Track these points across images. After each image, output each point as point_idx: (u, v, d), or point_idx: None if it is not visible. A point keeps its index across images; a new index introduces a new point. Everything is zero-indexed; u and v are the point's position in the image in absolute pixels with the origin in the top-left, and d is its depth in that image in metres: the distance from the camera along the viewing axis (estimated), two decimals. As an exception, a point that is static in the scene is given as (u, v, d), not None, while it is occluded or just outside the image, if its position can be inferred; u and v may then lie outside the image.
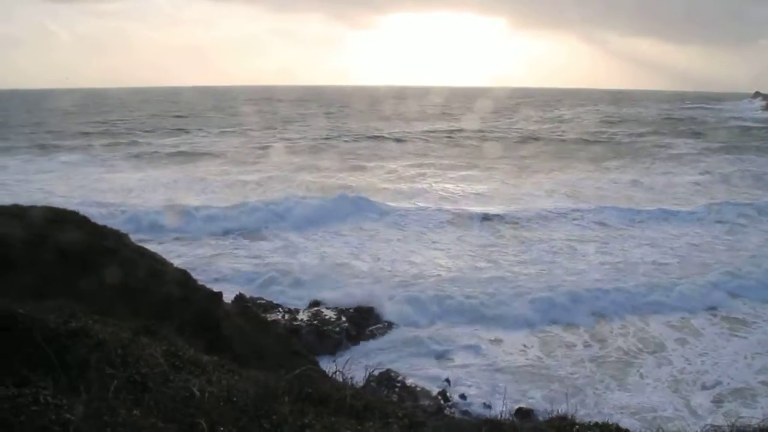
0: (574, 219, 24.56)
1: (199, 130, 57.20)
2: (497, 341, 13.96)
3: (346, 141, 50.39)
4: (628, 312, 15.79)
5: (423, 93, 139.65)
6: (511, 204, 27.10)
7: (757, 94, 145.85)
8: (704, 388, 12.06)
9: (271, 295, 15.58)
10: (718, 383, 12.24)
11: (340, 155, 41.90)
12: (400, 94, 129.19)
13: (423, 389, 11.02)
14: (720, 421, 6.75)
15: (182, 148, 44.49)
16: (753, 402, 11.48)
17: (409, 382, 11.10)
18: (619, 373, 12.63)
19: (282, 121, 67.39)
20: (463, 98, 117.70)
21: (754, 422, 3.99)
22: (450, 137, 54.43)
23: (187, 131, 56.47)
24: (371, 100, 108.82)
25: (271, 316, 13.12)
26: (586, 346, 13.98)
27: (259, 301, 14.48)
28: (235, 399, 3.10)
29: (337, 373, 4.01)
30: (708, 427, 3.96)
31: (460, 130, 58.65)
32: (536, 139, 54.39)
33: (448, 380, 11.66)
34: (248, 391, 3.21)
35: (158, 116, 74.87)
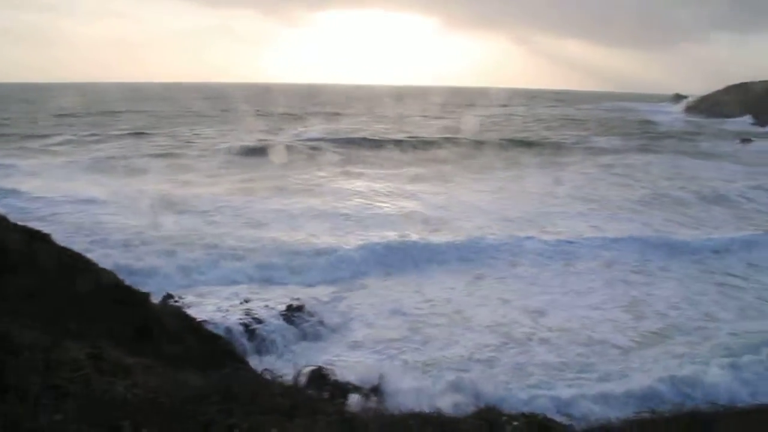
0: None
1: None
2: (431, 337, 14.09)
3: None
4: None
5: (348, 91, 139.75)
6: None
7: (676, 96, 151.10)
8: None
9: (201, 293, 15.43)
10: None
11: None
12: (320, 93, 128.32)
13: (355, 385, 11.03)
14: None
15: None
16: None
17: (342, 378, 11.09)
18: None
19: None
20: (391, 97, 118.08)
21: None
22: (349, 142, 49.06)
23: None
24: (285, 98, 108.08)
25: (201, 315, 12.91)
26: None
27: (187, 300, 14.25)
28: (161, 401, 3.06)
29: (266, 371, 4.00)
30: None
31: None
32: (430, 143, 51.66)
33: (381, 375, 11.70)
34: (175, 393, 3.17)
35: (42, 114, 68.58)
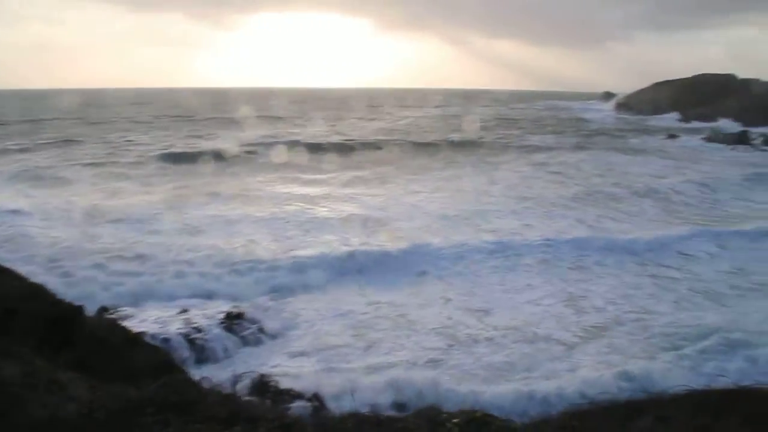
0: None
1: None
2: (375, 341, 14.06)
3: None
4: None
5: (283, 94, 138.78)
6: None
7: (606, 94, 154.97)
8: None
9: (137, 305, 15.07)
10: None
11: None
12: (256, 96, 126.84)
13: (298, 391, 10.95)
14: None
15: None
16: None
17: (284, 385, 11.00)
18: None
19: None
20: (327, 99, 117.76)
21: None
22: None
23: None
24: (219, 102, 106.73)
25: (138, 327, 12.63)
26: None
27: (124, 312, 13.93)
28: (96, 415, 2.98)
29: (204, 380, 3.94)
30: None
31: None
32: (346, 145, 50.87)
33: (323, 380, 11.65)
34: (110, 405, 3.10)
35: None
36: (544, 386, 11.66)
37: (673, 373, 12.03)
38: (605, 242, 21.97)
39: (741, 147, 59.79)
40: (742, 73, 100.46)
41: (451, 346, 13.73)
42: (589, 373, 12.19)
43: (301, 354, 13.24)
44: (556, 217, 25.92)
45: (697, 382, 10.96)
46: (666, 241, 22.41)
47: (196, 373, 6.74)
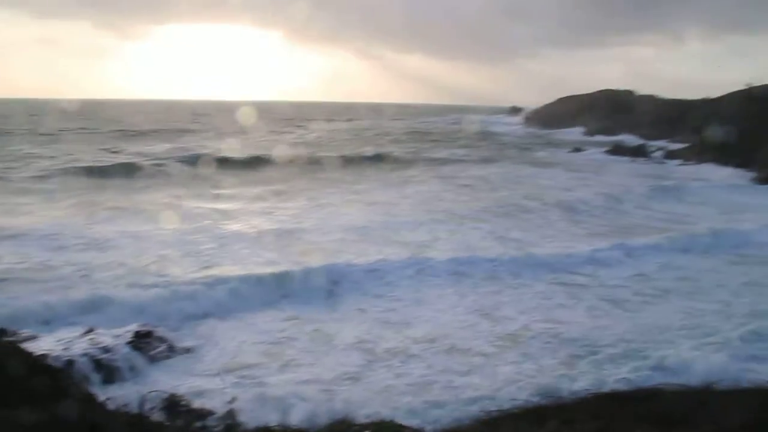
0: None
1: None
2: (290, 359, 13.88)
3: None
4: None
5: (192, 106, 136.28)
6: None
7: (514, 109, 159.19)
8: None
9: (39, 326, 14.36)
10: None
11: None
12: (163, 108, 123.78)
13: (209, 410, 10.69)
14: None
15: None
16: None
17: (195, 404, 10.72)
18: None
19: None
20: (237, 112, 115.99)
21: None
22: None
23: None
24: (126, 114, 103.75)
25: (40, 349, 12.08)
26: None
27: (24, 334, 13.29)
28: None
29: (109, 401, 3.80)
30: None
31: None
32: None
33: (234, 398, 11.40)
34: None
35: None
36: (460, 395, 11.80)
37: (580, 379, 12.40)
38: (516, 254, 22.41)
39: (641, 159, 62.60)
40: (641, 90, 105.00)
41: (370, 361, 13.65)
42: (503, 382, 12.40)
43: (214, 372, 12.93)
44: (467, 230, 26.31)
45: (603, 387, 11.42)
46: (575, 252, 23.10)
47: (103, 394, 6.51)
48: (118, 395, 3.92)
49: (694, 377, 10.67)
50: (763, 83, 64.64)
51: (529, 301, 17.92)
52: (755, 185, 46.15)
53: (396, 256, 21.10)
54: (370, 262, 20.11)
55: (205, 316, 16.02)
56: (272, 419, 10.14)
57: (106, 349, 12.85)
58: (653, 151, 67.67)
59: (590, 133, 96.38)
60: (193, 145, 61.86)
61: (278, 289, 17.71)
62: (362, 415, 5.94)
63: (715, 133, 25.40)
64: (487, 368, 13.33)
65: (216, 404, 10.81)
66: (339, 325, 15.71)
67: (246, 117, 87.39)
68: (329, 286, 18.21)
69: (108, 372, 12.37)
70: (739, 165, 52.50)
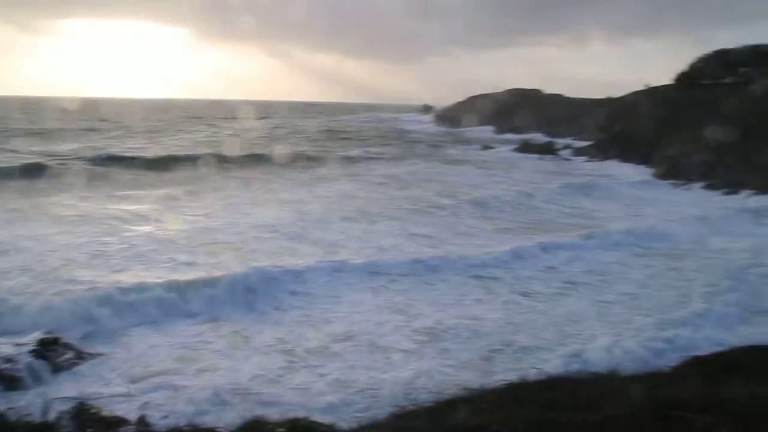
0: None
1: None
2: (207, 363, 13.59)
3: None
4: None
5: (100, 104, 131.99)
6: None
7: (426, 107, 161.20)
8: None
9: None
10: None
11: None
12: (69, 106, 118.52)
13: (121, 417, 10.41)
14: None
15: None
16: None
17: (105, 412, 10.41)
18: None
19: None
20: (146, 111, 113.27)
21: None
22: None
23: None
24: (27, 112, 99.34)
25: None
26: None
27: None
28: None
29: (10, 411, 3.66)
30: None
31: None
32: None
33: (146, 404, 11.16)
34: None
35: None
36: (378, 392, 11.90)
37: (495, 372, 12.70)
38: (431, 251, 22.71)
39: (548, 156, 64.48)
40: (548, 89, 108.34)
41: (290, 362, 13.53)
42: (420, 377, 12.56)
43: (125, 379, 12.57)
44: (381, 228, 26.38)
45: (515, 378, 11.71)
46: (489, 248, 23.57)
47: (3, 405, 6.23)
48: (20, 405, 3.76)
49: (603, 365, 11.14)
50: (662, 83, 67.85)
51: (444, 298, 18.17)
52: (657, 181, 48.31)
53: (311, 256, 21.03)
54: (285, 262, 19.94)
55: (117, 321, 15.45)
56: (184, 422, 9.99)
57: (6, 359, 12.29)
58: (560, 149, 69.86)
59: (500, 131, 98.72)
60: (100, 144, 59.88)
61: (193, 293, 17.22)
62: (277, 414, 5.93)
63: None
64: (405, 364, 13.48)
65: (128, 411, 10.57)
66: (257, 327, 15.48)
67: (155, 115, 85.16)
68: (246, 289, 17.89)
69: (9, 382, 11.83)
70: (640, 162, 54.90)
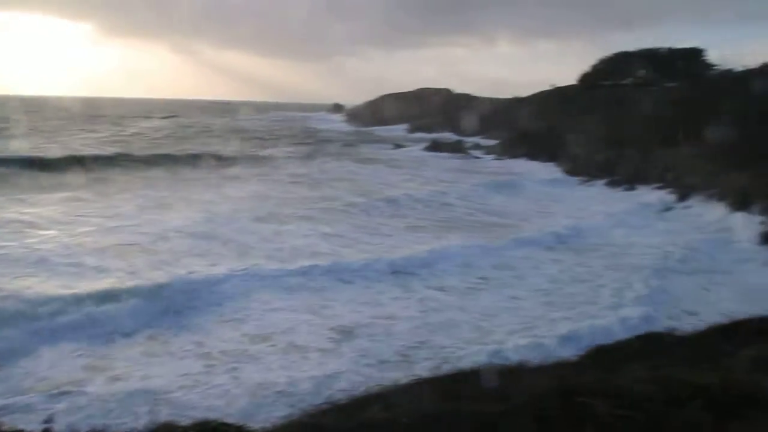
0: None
1: None
2: (121, 371, 13.17)
3: None
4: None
5: None
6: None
7: (336, 106, 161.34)
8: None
9: None
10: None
11: None
12: None
13: (22, 430, 9.98)
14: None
15: None
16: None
17: (5, 427, 9.96)
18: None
19: None
20: (47, 108, 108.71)
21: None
22: None
23: None
24: None
25: None
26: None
27: None
28: None
29: None
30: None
31: None
32: None
33: (53, 415, 10.73)
34: None
35: None
36: (295, 391, 11.88)
37: (411, 368, 12.85)
38: (345, 251, 22.78)
39: (458, 155, 65.66)
40: (458, 89, 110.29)
41: (207, 366, 13.32)
42: (335, 377, 12.61)
43: (30, 390, 12.03)
44: (293, 229, 26.12)
45: (429, 371, 11.92)
46: (403, 246, 23.83)
47: None
48: None
49: (514, 358, 11.46)
50: (566, 84, 70.21)
51: (361, 298, 18.20)
52: (566, 178, 49.87)
53: (224, 259, 20.75)
54: (198, 265, 19.58)
55: (18, 330, 14.72)
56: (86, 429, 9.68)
57: None
58: (469, 147, 71.20)
59: (411, 130, 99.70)
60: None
61: (103, 301, 16.51)
62: (189, 417, 5.84)
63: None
64: (321, 363, 13.51)
65: (31, 423, 10.15)
66: (173, 333, 15.12)
67: (56, 113, 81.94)
68: (161, 295, 17.28)
69: None
70: (547, 160, 56.58)
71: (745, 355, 6.70)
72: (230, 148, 62.63)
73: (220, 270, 19.29)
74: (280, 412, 10.42)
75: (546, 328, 15.88)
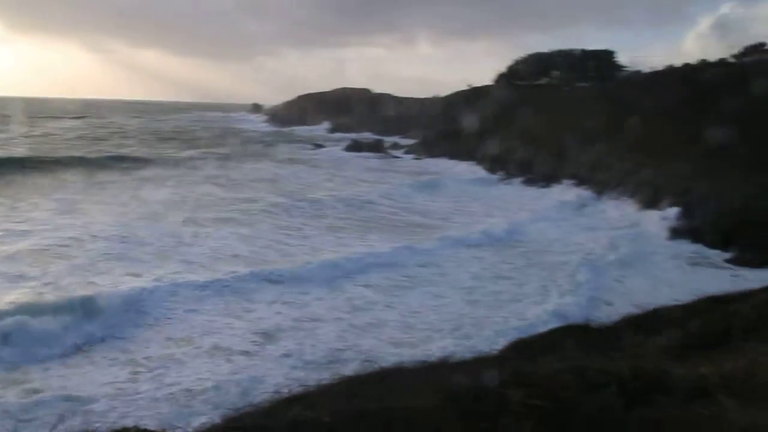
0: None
1: None
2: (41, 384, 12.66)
3: None
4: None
5: None
6: None
7: (255, 106, 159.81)
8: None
9: None
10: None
11: None
12: None
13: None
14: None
15: None
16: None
17: None
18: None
19: None
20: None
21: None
22: None
23: None
24: None
25: None
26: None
27: None
28: None
29: None
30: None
31: None
32: None
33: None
34: None
35: None
36: (218, 394, 11.82)
37: (335, 367, 12.86)
38: (268, 252, 22.59)
39: (378, 154, 66.09)
40: (377, 89, 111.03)
41: (133, 373, 13.01)
42: (260, 379, 12.51)
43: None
44: (213, 232, 25.42)
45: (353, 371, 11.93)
46: (328, 248, 23.79)
47: None
48: None
49: (437, 354, 11.64)
50: (484, 84, 71.48)
51: (283, 297, 18.02)
52: (486, 176, 50.85)
53: (144, 264, 20.06)
54: (118, 272, 18.94)
55: None
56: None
57: None
58: (389, 147, 71.72)
59: (330, 130, 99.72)
60: None
61: (22, 313, 15.60)
62: (108, 425, 5.67)
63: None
64: (245, 366, 13.40)
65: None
66: (97, 342, 14.58)
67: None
68: (82, 306, 16.48)
69: None
70: (466, 158, 57.52)
71: (655, 343, 7.02)
72: (147, 149, 61.07)
73: (142, 277, 18.72)
74: (203, 417, 10.32)
75: (469, 324, 16.20)
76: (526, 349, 8.95)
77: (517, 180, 47.40)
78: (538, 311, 17.19)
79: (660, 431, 3.28)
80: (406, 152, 68.65)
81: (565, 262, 22.93)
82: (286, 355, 14.00)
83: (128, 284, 17.83)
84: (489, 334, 15.13)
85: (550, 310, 17.16)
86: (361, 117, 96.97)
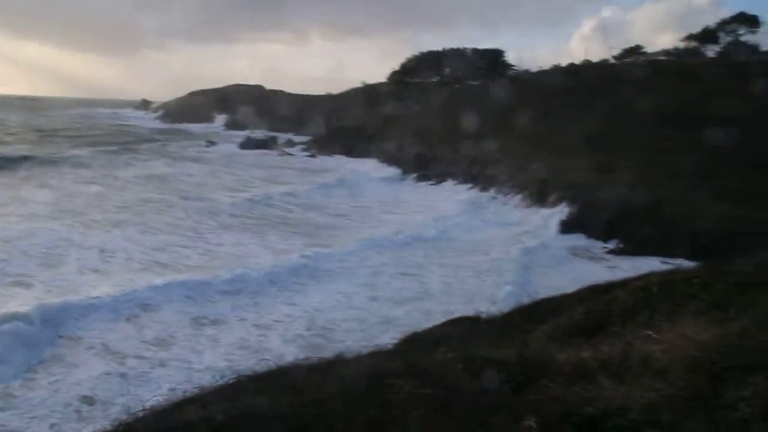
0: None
1: None
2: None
3: None
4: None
5: None
6: None
7: (144, 102, 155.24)
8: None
9: None
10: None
11: None
12: None
13: None
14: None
15: None
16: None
17: None
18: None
19: None
20: None
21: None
22: None
23: None
24: None
25: None
26: None
27: None
28: None
29: None
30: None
31: None
32: None
33: None
34: None
35: None
36: (111, 402, 11.55)
37: (234, 370, 12.75)
38: (162, 255, 22.01)
39: (272, 152, 65.64)
40: (271, 85, 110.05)
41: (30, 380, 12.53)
42: (154, 385, 12.24)
43: None
44: (101, 234, 24.13)
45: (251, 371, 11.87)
46: (228, 251, 23.44)
47: None
48: None
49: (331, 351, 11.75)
50: (377, 81, 72.25)
51: (184, 298, 17.56)
52: (384, 168, 51.42)
53: (29, 276, 18.66)
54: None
55: None
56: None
57: None
58: (284, 144, 71.28)
59: (223, 127, 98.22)
60: None
61: None
62: None
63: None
64: (137, 374, 13.10)
65: None
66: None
67: None
68: None
69: None
70: (360, 155, 58.01)
71: (542, 330, 7.37)
72: (28, 147, 57.87)
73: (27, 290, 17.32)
74: (91, 424, 10.06)
75: (372, 322, 16.58)
76: (420, 342, 9.19)
77: (411, 177, 48.03)
78: (430, 305, 17.77)
79: (544, 412, 3.49)
80: (301, 149, 68.41)
81: (474, 258, 23.68)
82: (181, 361, 13.78)
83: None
84: (389, 329, 15.41)
85: (444, 303, 17.73)
86: (254, 114, 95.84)
